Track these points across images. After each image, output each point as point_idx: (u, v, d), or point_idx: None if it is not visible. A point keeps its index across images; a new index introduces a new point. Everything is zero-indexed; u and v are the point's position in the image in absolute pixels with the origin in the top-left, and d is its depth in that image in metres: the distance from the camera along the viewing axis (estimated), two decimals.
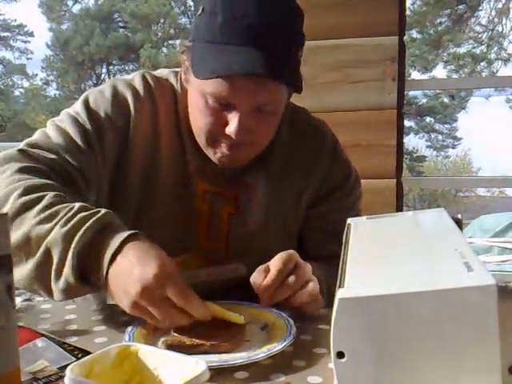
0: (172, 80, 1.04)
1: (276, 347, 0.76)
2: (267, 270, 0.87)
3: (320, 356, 0.76)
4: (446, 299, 0.54)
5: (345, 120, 2.01)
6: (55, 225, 0.79)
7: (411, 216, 0.85)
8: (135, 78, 1.03)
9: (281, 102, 0.95)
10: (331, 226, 1.09)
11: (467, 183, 4.75)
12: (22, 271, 0.79)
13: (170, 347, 0.75)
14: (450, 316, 0.54)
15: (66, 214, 0.80)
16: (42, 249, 0.78)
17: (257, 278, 0.87)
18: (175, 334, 0.78)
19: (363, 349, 0.56)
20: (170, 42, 18.20)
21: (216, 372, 0.68)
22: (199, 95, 0.92)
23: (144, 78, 1.02)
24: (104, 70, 18.78)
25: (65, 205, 0.82)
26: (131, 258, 0.76)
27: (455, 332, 0.54)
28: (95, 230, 0.78)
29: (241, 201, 1.04)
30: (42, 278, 0.79)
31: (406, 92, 2.12)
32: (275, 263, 0.87)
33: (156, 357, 0.66)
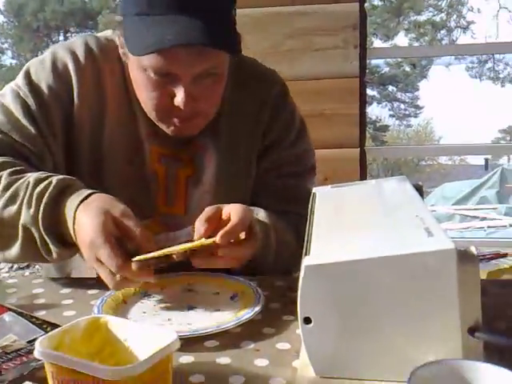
0: (118, 41, 0.98)
1: (245, 315, 0.77)
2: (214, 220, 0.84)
3: (288, 323, 0.78)
4: (406, 264, 0.56)
5: (308, 89, 2.02)
6: (20, 206, 0.86)
7: (374, 184, 0.87)
8: (76, 42, 1.00)
9: (223, 66, 0.94)
10: (280, 182, 1.08)
11: (429, 152, 4.84)
12: (10, 252, 0.88)
13: (140, 263, 0.78)
14: (410, 281, 0.56)
15: (25, 194, 0.86)
16: (20, 231, 0.86)
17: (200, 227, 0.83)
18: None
19: (329, 314, 0.57)
20: None
21: (186, 341, 0.69)
22: (139, 70, 0.91)
23: (85, 41, 1.00)
24: (61, 38, 18.21)
25: (21, 181, 0.87)
26: (80, 223, 0.82)
27: (416, 297, 0.56)
28: (51, 206, 0.84)
29: (197, 162, 1.03)
30: (33, 256, 0.88)
31: (368, 60, 2.13)
32: (233, 222, 0.83)
33: (126, 328, 0.66)
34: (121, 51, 0.95)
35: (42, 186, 0.85)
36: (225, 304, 0.84)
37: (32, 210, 0.84)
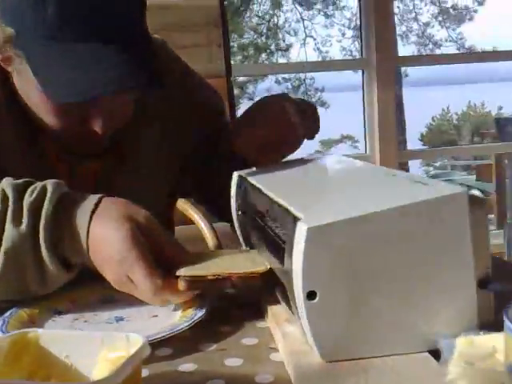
0: None
1: (197, 314, 0.65)
2: None
3: (244, 318, 0.68)
4: (419, 212, 0.49)
5: None
6: None
7: (310, 160, 0.81)
8: None
9: None
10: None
11: None
12: None
13: (190, 283, 0.64)
14: (423, 230, 0.49)
15: (3, 207, 0.67)
16: None
17: None
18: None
19: (336, 285, 0.49)
20: None
21: None
22: (42, 96, 0.75)
23: None
24: None
25: None
26: (99, 237, 0.66)
27: (429, 249, 0.50)
28: (54, 219, 0.67)
29: (108, 156, 0.88)
30: (9, 289, 0.69)
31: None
32: None
33: (65, 341, 0.51)
34: (7, 65, 0.77)
35: (33, 194, 0.66)
36: (158, 308, 0.70)
37: (24, 226, 0.65)
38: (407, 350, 0.51)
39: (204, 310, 0.66)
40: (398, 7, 3.62)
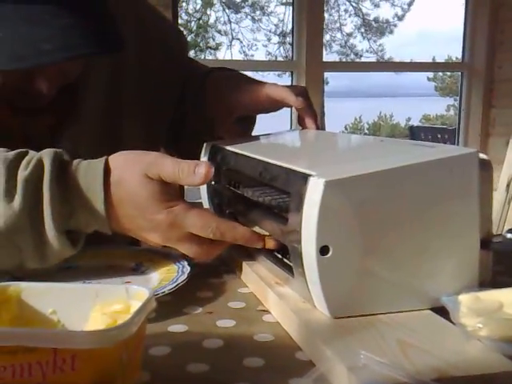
0: None
1: (178, 277, 0.61)
2: None
3: (223, 284, 0.65)
4: (433, 170, 0.49)
5: None
6: None
7: (287, 133, 0.79)
8: None
9: None
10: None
11: None
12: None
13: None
14: (435, 189, 0.49)
15: None
16: None
17: None
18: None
19: (349, 240, 0.47)
20: None
21: None
22: None
23: None
24: None
25: None
26: (125, 199, 0.59)
27: (438, 206, 0.49)
28: (59, 190, 0.59)
29: (61, 109, 0.79)
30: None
31: None
32: None
33: (51, 295, 0.47)
34: None
35: (28, 167, 0.58)
36: (130, 276, 0.66)
37: (18, 203, 0.57)
38: (410, 308, 0.51)
39: (186, 274, 0.62)
40: (324, 16, 3.71)
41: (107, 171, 0.59)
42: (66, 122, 0.79)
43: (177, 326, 0.53)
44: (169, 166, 0.58)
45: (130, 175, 0.59)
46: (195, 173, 0.58)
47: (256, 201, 0.63)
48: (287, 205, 0.52)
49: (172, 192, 0.60)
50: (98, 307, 0.45)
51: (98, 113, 0.82)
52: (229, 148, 0.72)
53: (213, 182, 0.77)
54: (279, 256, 0.60)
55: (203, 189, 0.79)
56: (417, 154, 0.51)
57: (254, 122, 0.90)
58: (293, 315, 0.51)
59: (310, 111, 0.79)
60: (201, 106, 0.89)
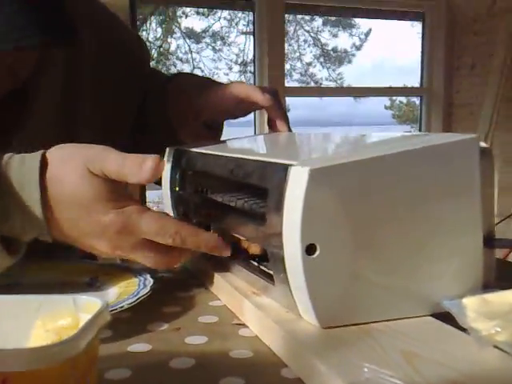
0: None
1: (140, 291, 0.54)
2: None
3: (191, 298, 0.57)
4: (430, 157, 0.43)
5: None
6: None
7: (252, 135, 0.73)
8: None
9: None
10: None
11: None
12: None
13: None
14: (433, 178, 0.43)
15: None
16: None
17: None
18: None
19: (339, 236, 0.41)
20: None
21: None
22: None
23: None
24: None
25: None
26: (65, 206, 0.50)
27: (438, 196, 0.44)
28: None
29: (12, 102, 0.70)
30: None
31: None
32: None
33: None
34: None
35: None
36: (84, 291, 0.58)
37: None
38: (409, 314, 0.44)
39: (148, 287, 0.54)
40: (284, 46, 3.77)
41: (44, 167, 0.50)
42: (16, 125, 0.71)
43: (138, 345, 0.45)
44: (112, 161, 0.49)
45: (69, 170, 0.50)
46: (142, 168, 0.49)
47: (228, 205, 0.56)
48: (265, 204, 0.46)
49: (121, 191, 0.51)
50: (41, 322, 0.37)
51: (53, 114, 0.74)
52: (194, 149, 0.66)
53: (177, 189, 0.69)
54: (255, 264, 0.53)
55: (167, 196, 0.71)
56: (411, 142, 0.45)
57: (221, 129, 0.84)
58: (275, 327, 0.43)
59: (279, 111, 0.72)
60: (163, 113, 0.83)
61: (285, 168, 0.42)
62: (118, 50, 0.83)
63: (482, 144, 0.45)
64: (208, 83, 0.79)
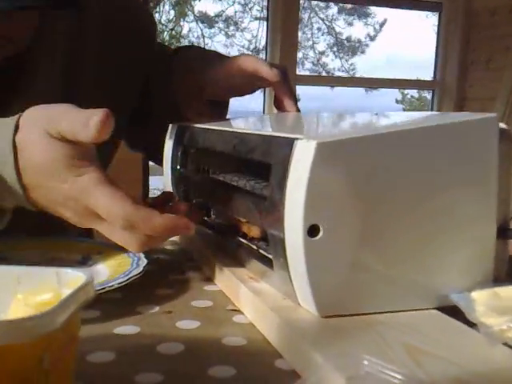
0: None
1: (131, 271, 0.51)
2: None
3: (186, 281, 0.55)
4: (446, 135, 0.40)
5: None
6: None
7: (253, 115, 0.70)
8: None
9: None
10: None
11: None
12: None
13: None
14: (448, 157, 0.40)
15: None
16: None
17: None
18: None
19: (344, 217, 0.38)
20: None
21: None
22: None
23: None
24: None
25: None
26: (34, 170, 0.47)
27: (452, 178, 0.41)
28: None
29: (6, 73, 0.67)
30: None
31: None
32: None
33: None
34: None
35: None
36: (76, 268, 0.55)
37: None
38: (414, 307, 0.42)
39: (141, 267, 0.52)
40: (298, 34, 3.72)
41: (17, 132, 0.47)
42: (17, 91, 0.68)
43: (126, 328, 0.43)
44: (67, 120, 0.46)
45: (33, 136, 0.47)
46: (88, 124, 0.44)
47: (229, 184, 0.53)
48: (268, 181, 0.43)
49: (83, 155, 0.46)
50: (21, 296, 0.35)
51: (54, 81, 0.72)
52: (198, 126, 0.63)
53: (178, 167, 0.67)
54: (254, 247, 0.51)
55: (167, 175, 0.69)
56: (427, 119, 0.43)
57: (226, 107, 0.81)
58: (271, 314, 0.41)
59: (287, 89, 0.69)
60: (167, 88, 0.80)
61: (290, 142, 0.39)
62: (124, 17, 0.80)
63: (502, 125, 0.42)
64: (213, 57, 0.76)
